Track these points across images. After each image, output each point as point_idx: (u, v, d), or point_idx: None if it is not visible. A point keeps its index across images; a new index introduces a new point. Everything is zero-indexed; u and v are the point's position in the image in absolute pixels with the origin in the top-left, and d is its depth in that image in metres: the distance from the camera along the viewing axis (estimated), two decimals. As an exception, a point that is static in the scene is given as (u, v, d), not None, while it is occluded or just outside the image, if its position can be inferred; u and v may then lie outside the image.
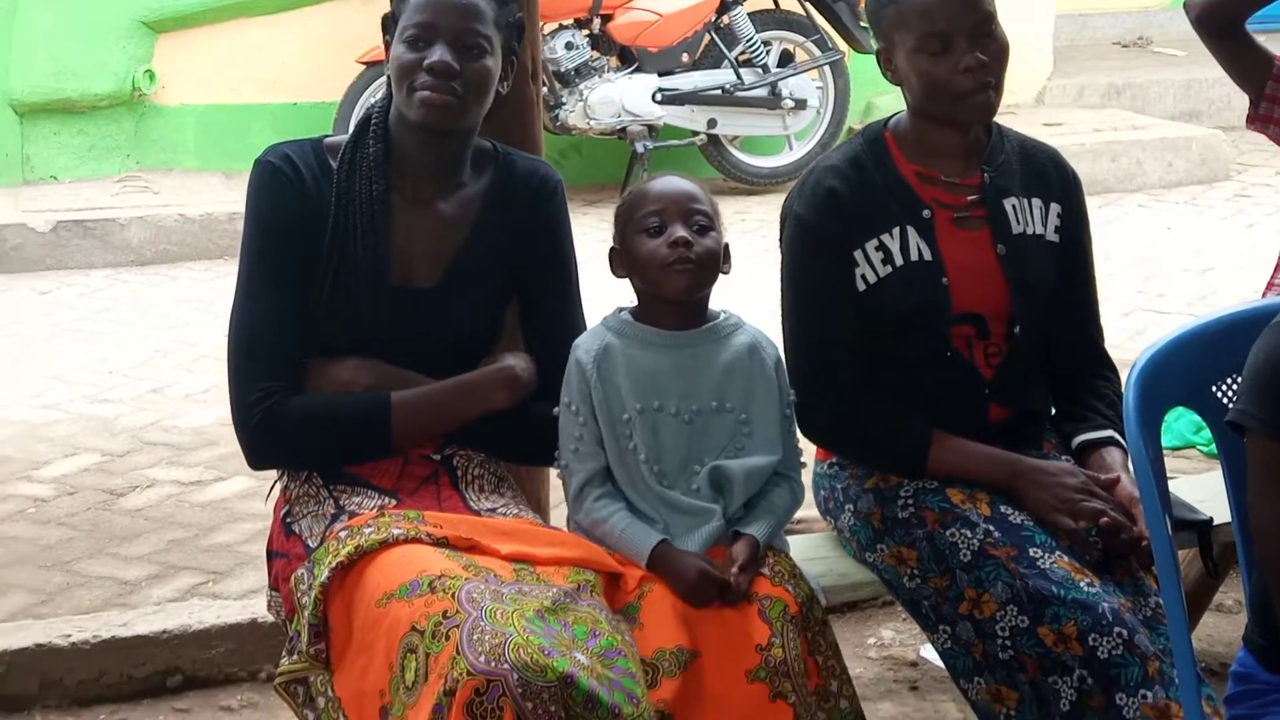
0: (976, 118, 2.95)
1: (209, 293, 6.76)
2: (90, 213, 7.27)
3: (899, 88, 3.01)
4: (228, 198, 7.57)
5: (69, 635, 3.67)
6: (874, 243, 2.95)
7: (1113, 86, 9.86)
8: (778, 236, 3.07)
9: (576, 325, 3.00)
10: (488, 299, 2.94)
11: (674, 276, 2.80)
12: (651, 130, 8.21)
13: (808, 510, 3.05)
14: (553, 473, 3.21)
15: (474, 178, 2.96)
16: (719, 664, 2.64)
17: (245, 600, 3.90)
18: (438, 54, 2.79)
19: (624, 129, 8.15)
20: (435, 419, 2.88)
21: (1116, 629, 2.64)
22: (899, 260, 2.95)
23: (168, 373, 5.77)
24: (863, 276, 2.95)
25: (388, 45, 2.92)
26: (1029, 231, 3.01)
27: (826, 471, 3.12)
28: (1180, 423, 4.81)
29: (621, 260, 2.88)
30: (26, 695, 3.63)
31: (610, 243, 2.91)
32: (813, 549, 3.13)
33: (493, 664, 2.41)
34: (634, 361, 2.83)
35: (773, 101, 8.33)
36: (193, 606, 3.84)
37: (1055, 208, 3.05)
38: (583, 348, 2.85)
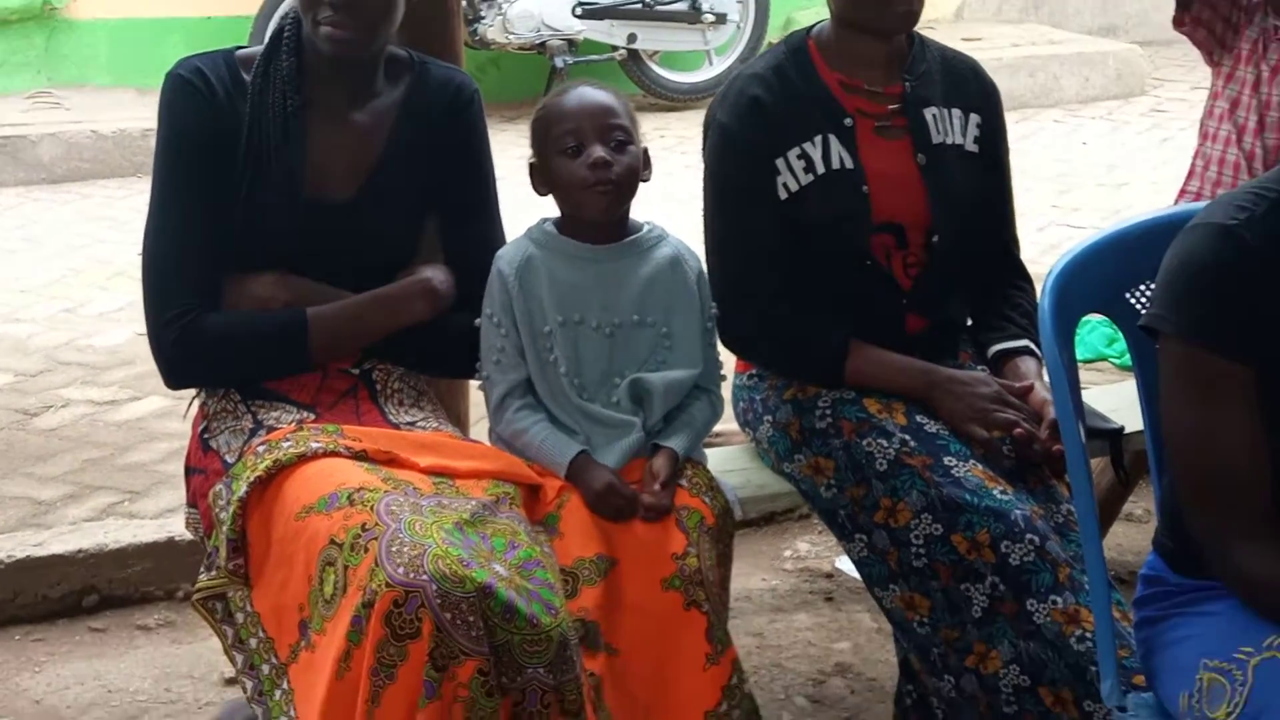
0: (900, 26, 2.95)
1: (123, 210, 6.67)
2: (0, 130, 7.14)
3: None
4: (141, 114, 7.45)
5: (-16, 554, 3.64)
6: (796, 151, 2.95)
7: (1031, 1, 9.88)
8: (700, 146, 3.06)
9: (495, 237, 2.98)
10: (405, 211, 2.91)
11: (595, 198, 2.79)
12: (571, 45, 8.16)
13: (726, 423, 3.07)
14: (473, 386, 3.21)
15: (389, 87, 2.93)
16: (636, 572, 2.66)
17: (162, 519, 3.87)
18: None
19: (543, 44, 8.09)
20: (353, 333, 2.87)
21: (1028, 536, 2.67)
22: (820, 169, 2.95)
23: (81, 291, 5.70)
24: (784, 185, 2.95)
25: None
26: (949, 141, 3.02)
27: (746, 383, 3.13)
28: (1093, 335, 4.86)
29: (541, 177, 2.86)
30: (-55, 614, 3.61)
31: (528, 159, 2.89)
32: (731, 460, 3.14)
33: (411, 575, 2.41)
34: (556, 274, 2.82)
35: (693, 16, 8.30)
36: (108, 525, 3.81)
37: (975, 118, 3.06)
38: (505, 259, 2.84)
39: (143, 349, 5.01)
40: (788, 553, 4.01)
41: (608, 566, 2.65)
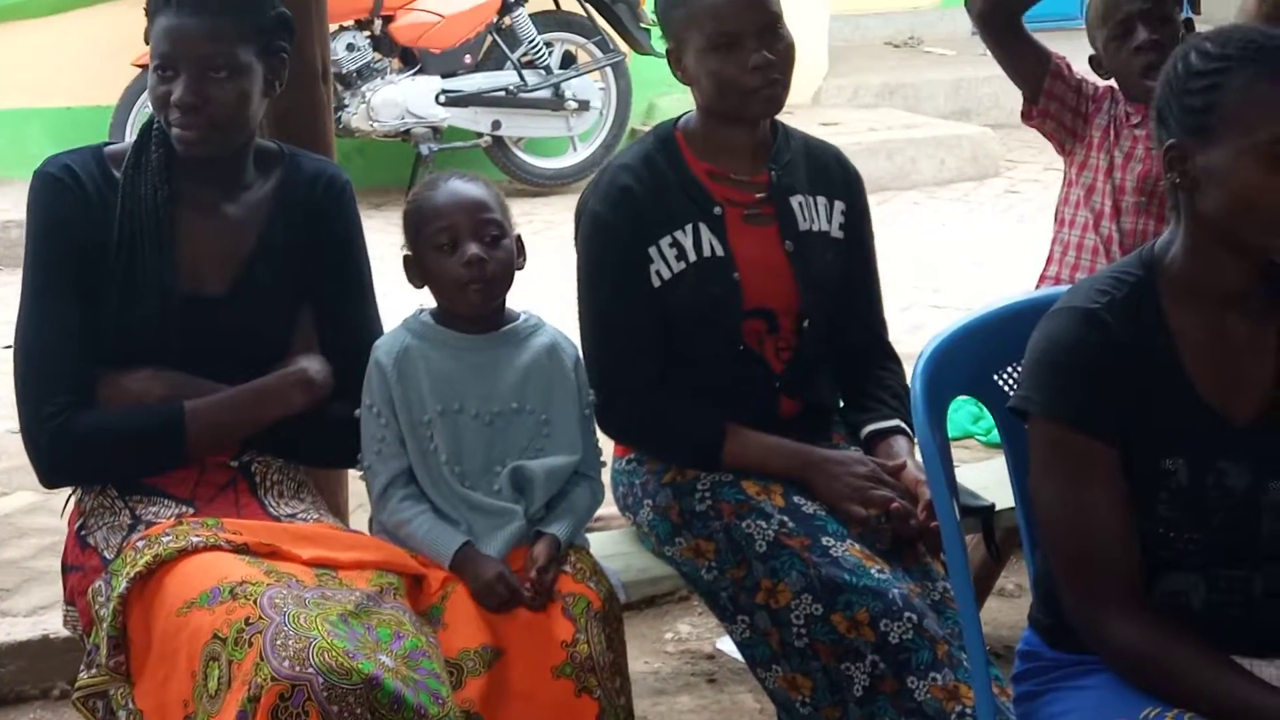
0: (764, 111, 3.03)
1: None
2: None
3: (688, 88, 3.07)
4: (1, 205, 7.37)
5: None
6: (668, 239, 3.01)
7: (886, 86, 10.11)
8: (573, 235, 3.11)
9: (372, 326, 3.00)
10: (280, 303, 2.93)
11: (471, 295, 2.83)
12: (436, 132, 8.21)
13: (607, 507, 3.10)
14: (352, 476, 3.23)
15: (260, 179, 2.95)
16: (524, 661, 2.68)
17: (35, 617, 3.82)
18: (179, 89, 2.77)
19: (408, 131, 8.13)
20: (231, 425, 2.87)
21: (907, 614, 2.73)
22: (692, 256, 3.01)
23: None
24: (657, 272, 3.01)
25: None
26: (815, 228, 3.10)
27: (625, 468, 3.17)
28: (959, 414, 4.96)
29: (416, 270, 2.89)
30: None
31: (397, 246, 2.91)
32: (612, 545, 3.17)
33: (297, 668, 2.42)
34: (434, 363, 2.85)
35: (556, 103, 8.39)
36: (-20, 624, 3.76)
37: (839, 205, 3.14)
38: (383, 349, 2.86)
39: (10, 444, 5.00)
40: (669, 635, 4.04)
41: (493, 657, 2.66)
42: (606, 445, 3.00)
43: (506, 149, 8.43)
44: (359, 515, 3.28)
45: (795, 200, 3.09)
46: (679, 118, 3.14)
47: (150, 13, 2.82)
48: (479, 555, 2.75)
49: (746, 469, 2.98)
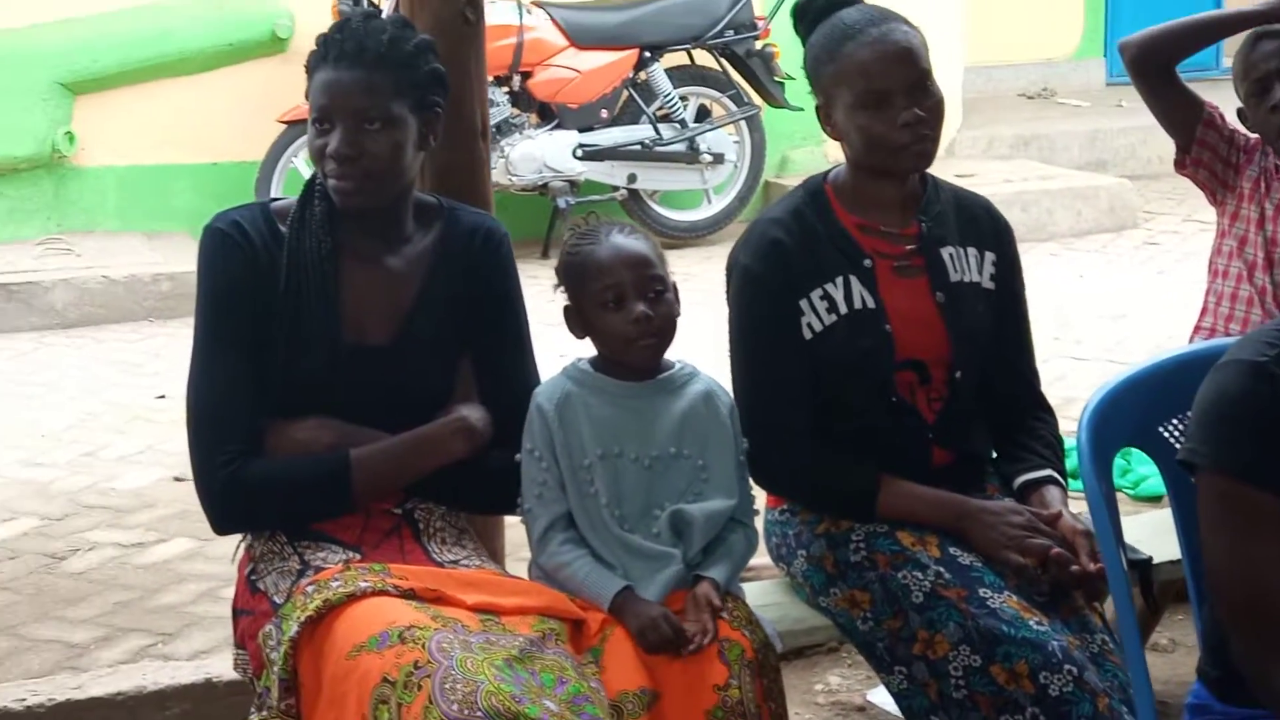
0: (914, 166, 3.05)
1: (136, 354, 6.75)
2: (13, 275, 7.25)
3: (832, 142, 3.11)
4: (150, 259, 7.58)
5: (23, 699, 3.66)
6: (819, 292, 3.03)
7: (1020, 137, 10.08)
8: (725, 289, 3.15)
9: (529, 374, 3.06)
10: (441, 352, 2.99)
11: (640, 351, 2.88)
12: (573, 186, 8.31)
13: (759, 557, 3.12)
14: (509, 522, 3.28)
15: (420, 232, 3.02)
16: (679, 704, 2.70)
17: (197, 661, 3.91)
18: (335, 141, 2.85)
19: (545, 185, 8.24)
20: (395, 474, 2.93)
21: (1066, 666, 2.72)
22: (843, 309, 3.03)
23: (100, 435, 5.75)
24: (809, 325, 3.03)
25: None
26: (966, 279, 3.11)
27: (778, 519, 3.19)
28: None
29: (578, 321, 2.94)
30: (-31, 762, 3.63)
31: (535, 296, 2.95)
32: (766, 595, 3.19)
33: (465, 712, 2.46)
34: (594, 409, 2.90)
35: (691, 156, 8.45)
36: (145, 668, 3.84)
37: (990, 255, 3.15)
38: (543, 395, 2.92)
39: (166, 492, 5.14)
40: (819, 686, 4.04)
41: (651, 700, 2.69)
42: (759, 496, 3.03)
43: (642, 202, 8.51)
44: (513, 560, 3.34)
45: (946, 251, 3.11)
46: (828, 172, 3.17)
47: (310, 69, 2.91)
48: (638, 598, 2.78)
49: (901, 519, 2.99)
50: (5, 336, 6.99)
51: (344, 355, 2.91)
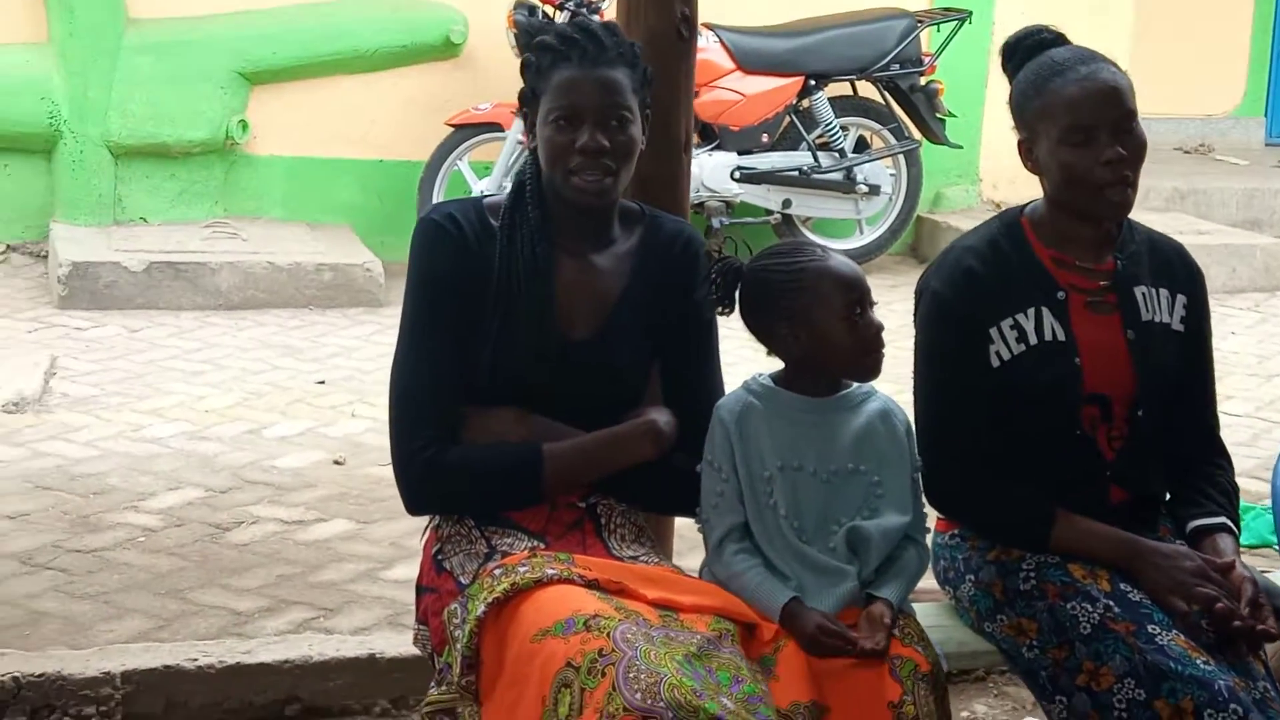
0: (1113, 215, 3.08)
1: (297, 340, 6.91)
2: (182, 255, 7.44)
3: (1037, 177, 3.14)
4: (313, 248, 7.74)
5: (195, 659, 3.80)
6: (1009, 321, 3.07)
7: (1177, 191, 10.02)
8: (913, 312, 3.20)
9: (715, 382, 3.13)
10: (637, 353, 3.07)
11: (871, 363, 2.96)
12: (728, 206, 8.39)
13: (924, 580, 3.16)
14: (679, 523, 3.35)
15: (623, 235, 3.10)
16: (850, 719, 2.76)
17: (360, 636, 4.02)
18: (585, 136, 2.94)
19: (701, 204, 8.32)
20: (584, 470, 3.01)
21: (1232, 706, 2.74)
22: (1033, 339, 3.07)
23: (262, 415, 5.90)
24: (997, 353, 3.07)
25: (525, 118, 3.07)
26: (1157, 319, 3.14)
27: (947, 542, 3.23)
28: (1258, 523, 4.92)
29: (792, 335, 2.98)
30: (152, 715, 3.75)
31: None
32: (930, 617, 3.21)
33: (649, 701, 2.53)
34: (774, 423, 2.96)
35: (847, 186, 8.50)
36: (311, 639, 3.96)
37: (1181, 298, 3.18)
38: (725, 408, 2.99)
39: (325, 474, 5.28)
40: (965, 714, 4.07)
41: (820, 713, 2.74)
42: (930, 515, 3.07)
43: (794, 227, 8.57)
44: (682, 560, 3.40)
45: (1139, 290, 3.14)
46: (1024, 205, 3.21)
47: (540, 69, 2.99)
48: (805, 609, 2.84)
49: (1073, 553, 3.02)
50: (170, 314, 7.18)
51: (550, 349, 2.99)
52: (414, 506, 3.04)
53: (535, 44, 3.02)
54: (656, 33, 3.34)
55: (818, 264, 2.99)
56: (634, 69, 2.99)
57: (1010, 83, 3.14)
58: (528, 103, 3.03)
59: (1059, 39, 3.12)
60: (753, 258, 3.05)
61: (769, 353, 3.04)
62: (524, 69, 3.04)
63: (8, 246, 7.96)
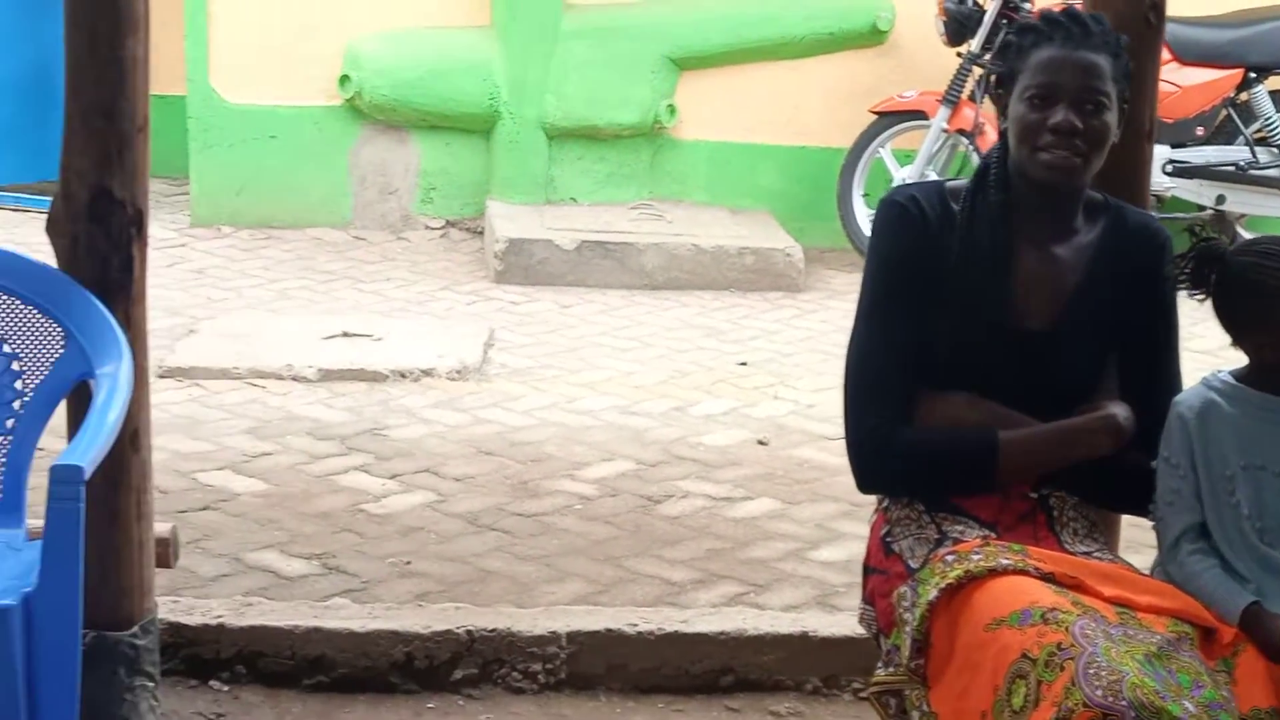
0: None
1: (719, 321, 7.03)
2: (610, 235, 7.65)
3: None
4: (735, 231, 7.85)
5: (635, 625, 3.92)
6: None
7: None
8: None
9: (1174, 376, 3.07)
10: (1095, 345, 3.03)
11: None
12: (1159, 201, 8.15)
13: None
14: (1124, 520, 3.30)
15: (1086, 226, 3.06)
16: (1317, 731, 2.67)
17: (792, 614, 4.08)
18: (1060, 114, 2.91)
19: (1130, 197, 8.10)
20: (1038, 461, 2.99)
21: None
22: None
23: (689, 393, 6.04)
24: None
25: (997, 99, 3.06)
26: None
27: None
28: None
29: (1271, 344, 2.90)
30: (593, 675, 3.89)
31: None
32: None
33: (1110, 699, 2.50)
34: (1237, 421, 2.88)
35: (1285, 182, 8.17)
36: (745, 613, 4.04)
37: None
38: (1184, 404, 2.92)
39: (750, 453, 5.37)
40: None
41: (1284, 721, 2.67)
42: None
43: (1227, 224, 8.26)
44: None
45: None
46: None
47: (1020, 49, 2.98)
48: (1269, 615, 2.76)
49: None
50: (598, 291, 7.40)
51: (1006, 336, 2.99)
52: (865, 484, 3.07)
53: (1018, 25, 3.03)
54: (1125, 19, 3.27)
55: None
56: (1116, 59, 2.96)
57: None
58: (1004, 83, 3.03)
59: None
60: (1238, 246, 2.97)
61: (1232, 344, 2.96)
62: (1003, 49, 3.05)
63: (447, 222, 8.32)
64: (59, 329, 3.26)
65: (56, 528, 2.86)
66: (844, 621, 3.94)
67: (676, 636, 3.91)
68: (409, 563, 4.40)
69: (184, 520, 4.22)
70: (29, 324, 3.28)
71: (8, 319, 3.28)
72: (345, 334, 6.40)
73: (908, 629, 2.85)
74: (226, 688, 3.85)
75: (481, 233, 8.14)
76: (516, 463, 5.23)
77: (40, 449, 3.31)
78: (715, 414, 5.81)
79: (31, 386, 3.27)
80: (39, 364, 3.27)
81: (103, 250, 3.34)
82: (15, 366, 3.27)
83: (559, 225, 7.78)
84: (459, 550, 4.51)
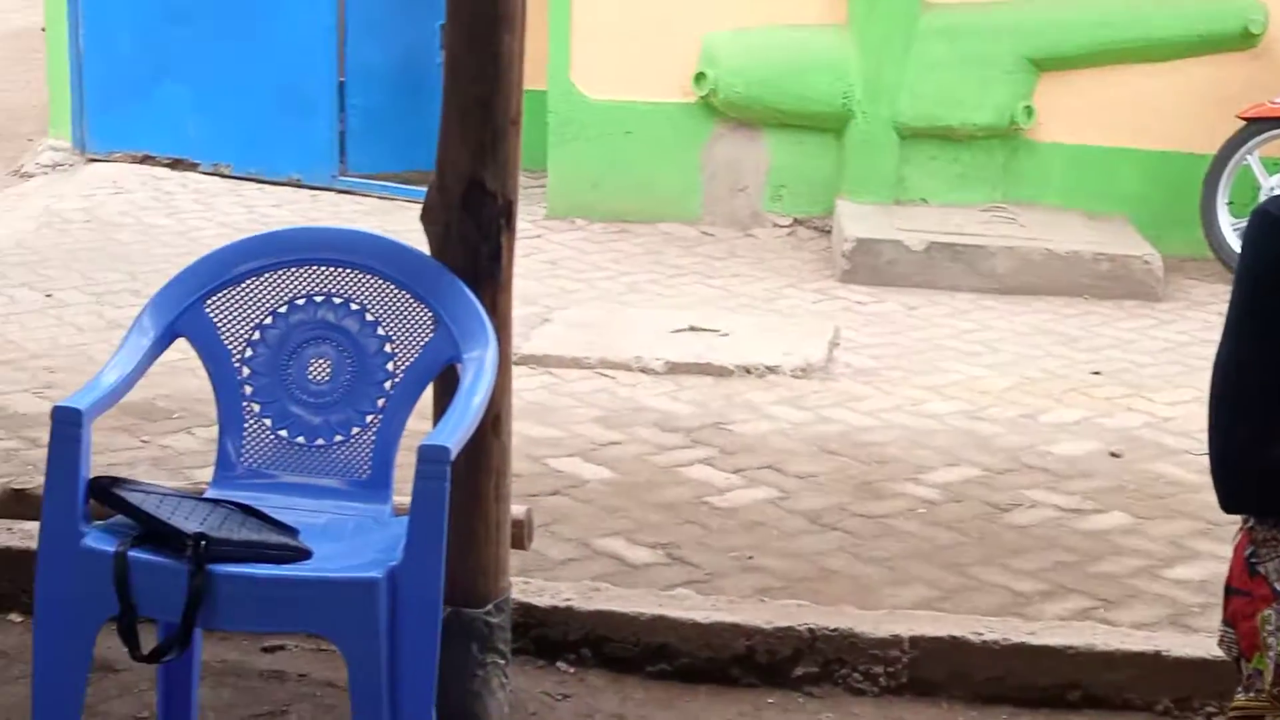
0: None
1: (1071, 328, 6.88)
2: (959, 238, 7.56)
3: None
4: (1090, 237, 7.68)
5: (980, 634, 3.87)
6: None
7: None
8: None
9: None
10: None
11: None
12: None
13: None
14: None
15: None
16: None
17: (1145, 631, 3.97)
18: None
19: None
20: None
21: None
22: None
23: (1038, 400, 5.93)
24: None
25: None
26: None
27: None
28: None
29: None
30: (936, 682, 3.86)
31: None
32: None
33: None
34: None
35: None
36: (1095, 629, 3.95)
37: None
38: None
39: (1102, 464, 5.25)
40: None
41: None
42: None
43: None
44: None
45: None
46: None
47: None
48: None
49: None
50: (945, 294, 7.32)
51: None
52: (1229, 503, 2.96)
53: None
54: None
55: None
56: None
57: None
58: None
59: None
60: None
61: None
62: None
63: (795, 220, 8.34)
64: (429, 314, 3.39)
65: (422, 505, 2.97)
66: (1199, 642, 3.82)
67: (1023, 648, 3.84)
68: (751, 557, 4.44)
69: (535, 504, 4.33)
70: (402, 308, 3.42)
71: (382, 302, 3.42)
72: (692, 328, 6.48)
73: (1272, 654, 2.75)
74: (573, 670, 3.95)
75: (829, 231, 8.14)
76: (859, 463, 5.21)
77: (406, 430, 3.43)
78: (1065, 423, 5.69)
79: (402, 368, 3.40)
80: (410, 346, 3.40)
81: (473, 240, 3.46)
82: (388, 349, 3.41)
83: (908, 226, 7.73)
84: (801, 547, 4.52)
